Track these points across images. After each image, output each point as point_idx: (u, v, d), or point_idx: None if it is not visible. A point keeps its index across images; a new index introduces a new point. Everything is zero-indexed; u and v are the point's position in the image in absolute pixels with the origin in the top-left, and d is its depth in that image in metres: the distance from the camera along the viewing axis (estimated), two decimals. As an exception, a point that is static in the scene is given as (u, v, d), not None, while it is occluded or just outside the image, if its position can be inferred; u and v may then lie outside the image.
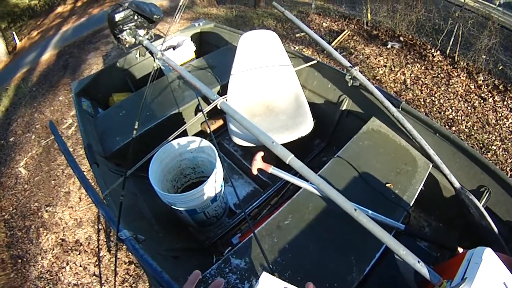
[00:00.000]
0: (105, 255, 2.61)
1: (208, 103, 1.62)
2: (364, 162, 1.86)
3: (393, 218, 1.59)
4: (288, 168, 1.43)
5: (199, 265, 1.81)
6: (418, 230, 2.11)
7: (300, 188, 1.63)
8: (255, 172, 1.58)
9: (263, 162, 1.57)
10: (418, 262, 1.13)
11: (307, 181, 1.48)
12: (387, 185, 1.77)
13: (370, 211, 1.54)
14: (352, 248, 1.48)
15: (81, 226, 2.86)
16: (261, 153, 1.56)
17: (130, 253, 2.54)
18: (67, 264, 2.59)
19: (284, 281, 1.03)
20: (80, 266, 2.57)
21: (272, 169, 1.56)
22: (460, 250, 1.45)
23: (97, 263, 2.57)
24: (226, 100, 1.61)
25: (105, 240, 2.71)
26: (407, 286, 1.43)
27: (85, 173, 1.72)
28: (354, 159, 1.87)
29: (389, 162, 1.89)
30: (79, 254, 2.65)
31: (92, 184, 1.93)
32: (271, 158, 1.53)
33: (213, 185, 1.76)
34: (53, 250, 2.72)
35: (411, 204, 1.71)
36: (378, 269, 1.62)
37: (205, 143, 1.91)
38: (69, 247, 2.72)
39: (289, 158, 1.32)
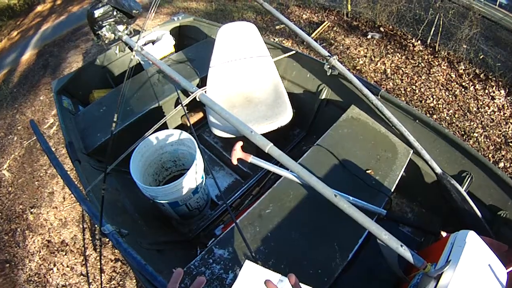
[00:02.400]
0: (91, 254, 2.59)
1: (188, 96, 1.62)
2: (344, 149, 1.88)
3: (374, 204, 1.62)
4: (268, 158, 1.44)
5: (183, 258, 1.82)
6: (401, 216, 2.13)
7: (280, 177, 1.65)
8: (235, 162, 1.59)
9: (242, 152, 1.59)
10: (401, 246, 1.14)
11: (287, 169, 1.49)
12: (367, 171, 1.79)
13: (351, 198, 1.57)
14: (334, 235, 1.49)
15: (66, 226, 2.83)
16: (240, 143, 1.57)
17: (116, 251, 2.53)
18: (54, 265, 2.57)
19: (268, 269, 1.04)
20: (67, 266, 2.55)
21: (251, 159, 1.57)
22: (444, 234, 1.48)
23: (83, 262, 2.55)
24: (205, 92, 1.61)
25: (91, 239, 2.69)
26: (392, 272, 1.44)
27: (68, 172, 1.72)
28: (334, 146, 1.88)
29: (369, 149, 1.92)
30: (65, 254, 2.62)
31: (75, 181, 1.92)
32: (251, 148, 1.54)
33: (194, 177, 1.77)
34: (40, 252, 2.69)
35: (392, 190, 1.73)
36: (362, 255, 1.65)
37: (185, 135, 1.91)
38: (55, 248, 2.69)
39: (268, 146, 1.33)
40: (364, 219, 1.17)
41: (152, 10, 2.01)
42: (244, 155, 1.57)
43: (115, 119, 1.76)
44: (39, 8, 7.46)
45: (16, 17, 7.76)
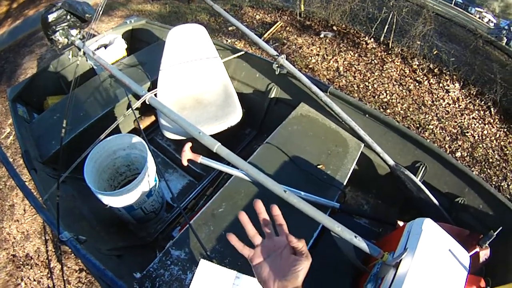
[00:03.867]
0: (55, 266, 2.54)
1: (139, 100, 1.63)
2: (294, 146, 1.92)
3: (327, 198, 1.66)
4: (221, 158, 1.46)
5: (143, 261, 1.82)
6: (356, 208, 2.20)
7: (232, 177, 1.68)
8: (185, 163, 1.61)
9: (192, 152, 1.61)
10: (355, 237, 1.17)
11: (237, 169, 1.53)
12: (318, 166, 1.84)
13: (302, 193, 1.60)
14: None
15: (28, 239, 2.75)
16: (189, 144, 1.59)
17: (79, 261, 2.49)
18: (22, 280, 2.50)
19: (224, 266, 1.07)
20: (34, 280, 2.48)
21: (201, 159, 1.60)
22: (401, 223, 1.53)
23: (49, 275, 2.50)
24: (155, 95, 1.62)
25: (54, 250, 2.63)
26: (352, 264, 1.47)
27: (26, 182, 1.69)
28: (284, 144, 1.92)
29: (319, 144, 1.96)
30: (31, 268, 2.55)
31: (33, 191, 1.88)
32: (202, 149, 1.55)
33: (147, 180, 1.78)
34: (6, 267, 2.60)
35: (344, 183, 1.78)
36: (320, 249, 1.70)
37: (137, 139, 1.92)
38: (20, 262, 2.61)
39: (216, 146, 1.36)
40: (315, 212, 1.19)
41: (99, 12, 2.00)
42: (193, 155, 1.60)
43: (64, 125, 1.75)
44: (-5, 12, 7.12)
45: (-30, 23, 7.37)
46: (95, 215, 1.93)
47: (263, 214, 0.69)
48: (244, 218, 0.69)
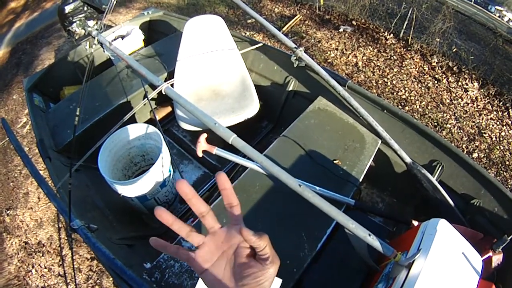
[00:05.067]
0: (67, 254, 2.58)
1: (155, 90, 1.62)
2: (310, 140, 1.89)
3: (342, 194, 1.62)
4: (236, 151, 1.45)
5: (154, 252, 1.82)
6: (370, 206, 2.15)
7: (248, 169, 1.66)
8: (200, 154, 1.59)
9: (207, 144, 1.60)
10: (369, 235, 1.14)
11: (253, 161, 1.50)
12: (334, 161, 1.80)
13: (317, 188, 1.57)
14: (302, 225, 1.50)
15: (42, 227, 2.80)
16: (204, 135, 1.58)
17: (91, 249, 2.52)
18: (33, 267, 2.54)
19: None
20: (45, 267, 2.52)
21: (216, 150, 1.58)
22: (415, 223, 1.48)
23: (61, 263, 2.53)
24: (172, 85, 1.61)
25: (66, 238, 2.67)
26: (363, 262, 1.44)
27: (41, 171, 1.70)
28: (300, 137, 1.89)
29: (336, 139, 1.93)
30: (42, 255, 2.60)
31: (47, 179, 1.90)
32: (218, 140, 1.54)
33: (161, 170, 1.77)
34: (18, 254, 2.66)
35: (360, 180, 1.75)
36: (333, 245, 1.67)
37: (152, 129, 1.92)
38: (32, 250, 2.66)
39: (232, 137, 1.35)
40: (330, 208, 1.16)
41: (112, 3, 2.00)
42: (208, 147, 1.58)
43: (77, 113, 1.76)
44: (13, 4, 7.26)
45: (-12, 15, 7.53)
46: (107, 205, 1.93)
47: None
48: (164, 215, 0.43)
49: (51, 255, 2.58)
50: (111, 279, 2.37)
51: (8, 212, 2.98)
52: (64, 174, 1.71)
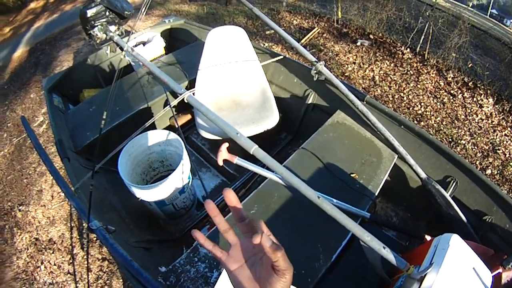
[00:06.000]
0: (78, 253, 2.59)
1: (176, 98, 1.65)
2: (328, 153, 1.91)
3: (358, 207, 1.63)
4: (254, 161, 1.47)
5: (170, 256, 1.84)
6: (385, 219, 2.15)
7: (266, 179, 1.68)
8: (220, 163, 1.61)
9: (228, 153, 1.62)
10: (384, 248, 1.15)
11: (272, 172, 1.52)
12: (352, 175, 1.82)
13: (334, 200, 1.58)
14: (318, 236, 1.52)
15: (54, 225, 2.82)
16: (226, 144, 1.60)
17: (103, 250, 2.54)
18: (42, 263, 2.56)
19: None
20: (55, 264, 2.54)
21: (237, 160, 1.60)
22: (428, 238, 1.47)
23: (71, 261, 2.54)
24: (193, 94, 1.64)
25: (78, 237, 2.69)
26: (376, 274, 1.45)
27: (57, 169, 1.73)
28: (319, 150, 1.91)
29: (353, 153, 1.95)
30: (53, 252, 2.61)
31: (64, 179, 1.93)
32: (237, 150, 1.56)
33: (180, 176, 1.79)
34: (28, 249, 2.68)
35: (376, 194, 1.76)
36: (348, 256, 1.67)
37: (173, 136, 1.94)
38: (43, 246, 2.68)
39: (253, 148, 1.35)
40: (347, 220, 1.17)
41: (143, 10, 2.03)
42: (229, 156, 1.60)
43: (104, 117, 1.78)
44: (33, 5, 7.42)
45: (8, 13, 7.70)
46: (125, 208, 1.95)
47: (235, 203, 0.50)
48: (211, 206, 0.51)
49: (62, 253, 2.60)
50: (121, 280, 2.38)
51: (20, 207, 3.01)
52: (82, 175, 1.74)
